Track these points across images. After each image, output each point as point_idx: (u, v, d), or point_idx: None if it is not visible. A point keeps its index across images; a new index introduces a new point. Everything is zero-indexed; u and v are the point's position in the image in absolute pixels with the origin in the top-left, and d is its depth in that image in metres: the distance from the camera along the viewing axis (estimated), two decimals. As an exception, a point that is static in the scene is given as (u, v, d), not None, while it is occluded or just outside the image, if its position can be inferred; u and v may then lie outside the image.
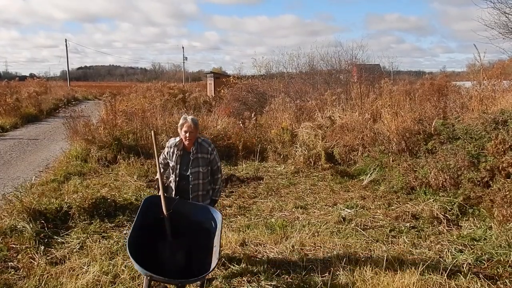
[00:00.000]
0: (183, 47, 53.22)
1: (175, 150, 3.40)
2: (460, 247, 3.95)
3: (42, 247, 4.09)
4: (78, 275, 3.52)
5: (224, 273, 3.61)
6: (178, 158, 3.40)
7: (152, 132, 3.66)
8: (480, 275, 3.36)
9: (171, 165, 3.46)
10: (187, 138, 3.31)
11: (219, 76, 25.11)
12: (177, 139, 3.43)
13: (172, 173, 3.46)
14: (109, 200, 5.19)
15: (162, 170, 3.51)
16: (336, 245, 4.05)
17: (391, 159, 6.74)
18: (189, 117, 3.36)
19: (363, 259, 3.73)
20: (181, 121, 3.37)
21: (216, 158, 3.50)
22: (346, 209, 5.24)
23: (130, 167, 7.19)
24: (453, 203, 4.96)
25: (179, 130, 3.39)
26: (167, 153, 3.48)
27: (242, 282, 3.43)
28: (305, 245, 4.09)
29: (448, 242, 4.10)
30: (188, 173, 3.39)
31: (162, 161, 3.59)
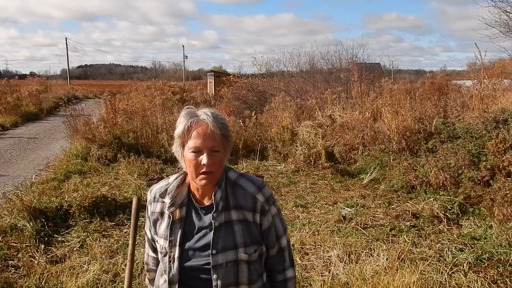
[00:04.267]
0: (183, 46, 53.08)
1: (166, 208, 1.42)
2: (461, 246, 3.95)
3: (43, 246, 4.09)
4: (78, 273, 3.52)
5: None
6: (175, 227, 1.41)
7: (134, 199, 1.78)
8: (481, 274, 3.36)
9: (158, 247, 1.46)
10: (206, 170, 1.33)
11: (219, 75, 25.12)
12: (171, 179, 1.47)
13: (165, 269, 1.42)
14: (109, 199, 5.19)
15: (151, 265, 1.61)
16: (336, 244, 4.05)
17: (391, 158, 6.73)
18: (206, 111, 1.37)
19: (363, 258, 3.73)
20: (182, 122, 1.36)
21: (277, 221, 1.48)
22: (346, 208, 5.24)
23: (130, 166, 7.18)
24: (453, 202, 4.95)
25: (176, 147, 1.40)
26: (150, 218, 1.49)
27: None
28: (305, 244, 4.09)
29: (448, 241, 4.09)
30: (203, 266, 1.38)
31: (152, 242, 1.53)
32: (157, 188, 1.48)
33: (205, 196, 1.43)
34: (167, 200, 1.42)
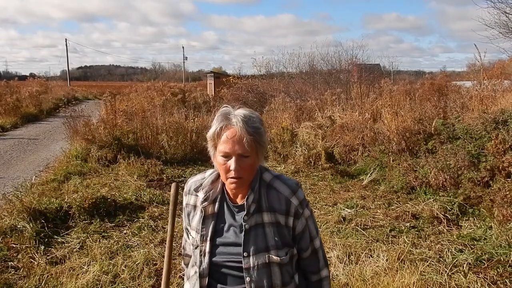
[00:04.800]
0: (183, 47, 53.28)
1: (200, 202, 1.43)
2: (460, 247, 3.95)
3: (42, 247, 4.08)
4: (78, 274, 3.52)
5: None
6: (207, 221, 1.42)
7: (173, 185, 1.71)
8: (480, 275, 3.37)
9: (191, 239, 1.48)
10: (234, 175, 1.32)
11: (219, 76, 25.15)
12: (207, 173, 1.49)
13: (195, 261, 1.44)
14: (109, 200, 5.19)
15: (187, 250, 1.60)
16: (336, 244, 4.05)
17: (391, 159, 6.74)
18: (239, 113, 1.34)
19: (363, 258, 3.73)
20: (214, 124, 1.36)
21: (310, 223, 1.46)
22: (346, 209, 5.24)
23: (130, 167, 7.19)
24: (453, 203, 4.95)
25: (209, 147, 1.40)
26: (184, 209, 1.51)
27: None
28: (305, 245, 4.08)
29: (448, 242, 4.10)
30: (232, 264, 1.39)
31: (187, 231, 1.54)
32: (192, 181, 1.51)
33: (238, 195, 1.43)
34: (201, 194, 1.44)
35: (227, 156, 1.33)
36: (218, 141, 1.34)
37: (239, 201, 1.42)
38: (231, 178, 1.34)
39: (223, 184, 1.44)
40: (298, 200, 1.41)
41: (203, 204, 1.42)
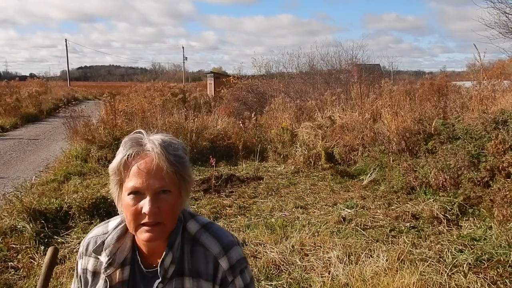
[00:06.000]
0: (183, 47, 53.31)
1: (103, 268, 1.05)
2: (460, 247, 3.95)
3: (42, 247, 4.08)
4: (78, 275, 3.52)
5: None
6: None
7: (50, 250, 1.48)
8: (480, 275, 3.36)
9: None
10: (149, 220, 0.96)
11: (219, 76, 25.17)
12: (110, 225, 1.13)
13: None
14: (109, 200, 5.18)
15: None
16: (336, 245, 4.04)
17: (391, 159, 6.74)
18: (155, 138, 1.01)
19: (363, 259, 3.73)
20: (120, 152, 1.03)
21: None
22: (346, 209, 5.24)
23: (130, 167, 7.18)
24: (453, 203, 4.95)
25: (112, 187, 1.07)
26: (80, 276, 1.11)
27: (242, 282, 3.42)
28: (305, 245, 4.09)
29: (448, 242, 4.10)
30: None
31: None
32: (91, 236, 1.12)
33: (155, 253, 1.05)
34: (103, 258, 1.04)
35: (138, 193, 0.97)
36: (126, 175, 0.98)
37: (152, 263, 1.06)
38: (145, 225, 0.96)
39: (134, 240, 1.06)
40: (229, 264, 1.04)
41: (107, 271, 1.03)
